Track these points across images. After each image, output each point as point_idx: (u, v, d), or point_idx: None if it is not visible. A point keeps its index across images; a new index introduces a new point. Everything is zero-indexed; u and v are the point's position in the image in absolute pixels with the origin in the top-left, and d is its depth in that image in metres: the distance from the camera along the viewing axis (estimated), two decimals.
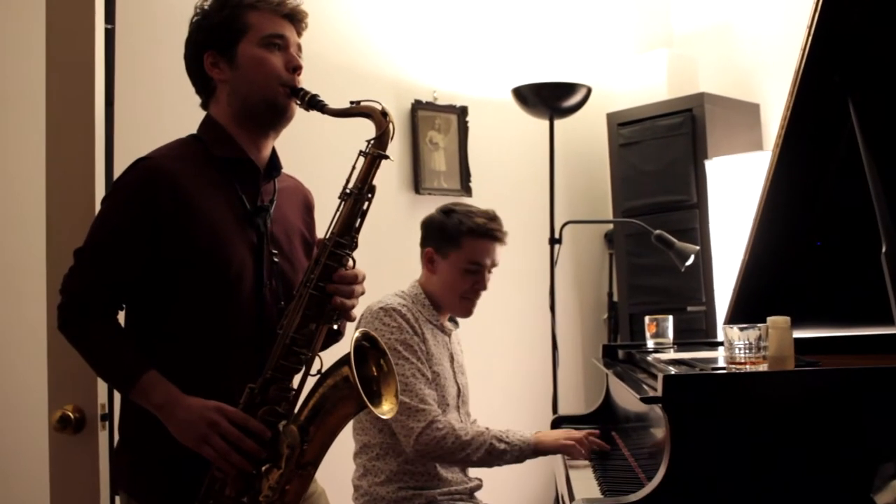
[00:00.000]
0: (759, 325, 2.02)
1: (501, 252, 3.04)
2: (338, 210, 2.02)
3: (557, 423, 3.23)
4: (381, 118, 2.02)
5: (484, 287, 3.03)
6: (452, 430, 2.80)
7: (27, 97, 2.84)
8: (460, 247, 2.98)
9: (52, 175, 2.26)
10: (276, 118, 2.10)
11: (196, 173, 2.03)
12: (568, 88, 4.48)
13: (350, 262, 2.02)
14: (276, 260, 2.08)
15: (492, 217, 3.04)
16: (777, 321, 2.10)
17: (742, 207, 4.07)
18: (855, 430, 1.88)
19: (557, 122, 4.59)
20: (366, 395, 1.92)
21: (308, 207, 2.30)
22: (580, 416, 3.23)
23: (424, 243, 3.07)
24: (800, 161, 2.36)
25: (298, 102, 2.07)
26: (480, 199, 4.76)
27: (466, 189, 4.77)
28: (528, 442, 2.86)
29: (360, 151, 2.02)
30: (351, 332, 2.05)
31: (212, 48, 2.09)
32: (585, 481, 2.57)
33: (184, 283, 1.99)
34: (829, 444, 1.88)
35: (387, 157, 2.02)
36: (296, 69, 2.10)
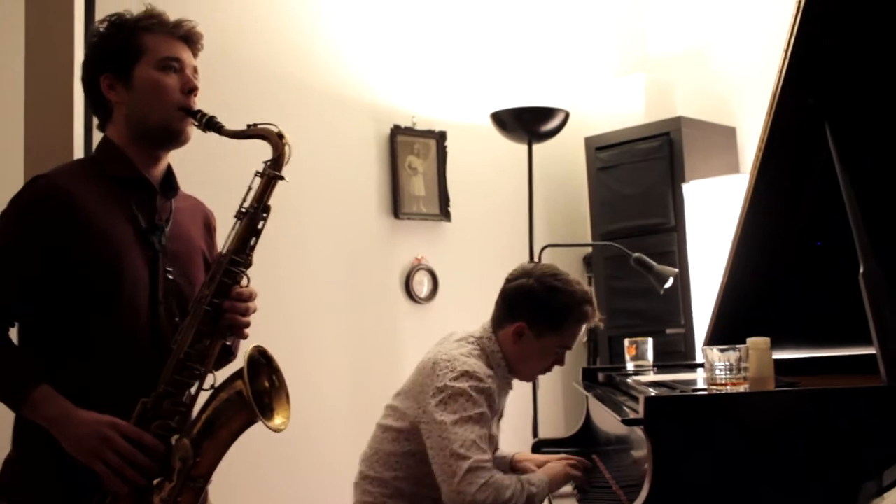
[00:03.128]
0: (739, 346, 2.03)
1: None
2: (233, 228, 2.06)
3: (538, 446, 3.22)
4: (277, 140, 2.07)
5: (562, 364, 2.84)
6: (494, 479, 2.49)
7: (7, 95, 2.83)
8: (560, 333, 2.76)
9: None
10: (171, 139, 2.13)
11: (92, 192, 2.05)
12: (546, 113, 4.51)
13: (244, 280, 2.06)
14: (170, 277, 2.10)
15: (591, 300, 2.83)
16: (757, 342, 2.11)
17: (720, 230, 4.09)
18: (836, 449, 1.89)
19: (536, 147, 4.61)
20: (260, 407, 1.96)
21: (208, 227, 2.32)
22: (561, 440, 3.22)
23: (516, 314, 2.76)
24: (777, 183, 2.38)
25: (196, 124, 2.10)
26: (459, 223, 4.77)
27: (445, 214, 4.77)
28: (543, 480, 2.64)
29: (257, 172, 2.07)
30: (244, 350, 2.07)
31: (108, 71, 2.12)
32: None
33: (78, 299, 2.00)
34: (811, 465, 1.89)
35: (282, 178, 2.07)
36: (191, 91, 2.13)
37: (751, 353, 2.07)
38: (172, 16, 2.15)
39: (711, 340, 2.59)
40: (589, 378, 3.25)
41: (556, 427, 5.06)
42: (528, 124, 4.51)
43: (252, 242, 2.06)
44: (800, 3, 2.02)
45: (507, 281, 2.87)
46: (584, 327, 2.81)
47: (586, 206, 5.25)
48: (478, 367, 2.65)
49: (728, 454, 1.90)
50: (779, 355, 2.20)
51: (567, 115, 4.54)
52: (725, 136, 5.18)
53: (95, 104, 2.18)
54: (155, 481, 1.92)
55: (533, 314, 2.75)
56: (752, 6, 5.15)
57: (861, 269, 1.98)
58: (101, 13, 3.12)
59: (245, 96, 3.79)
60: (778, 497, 1.88)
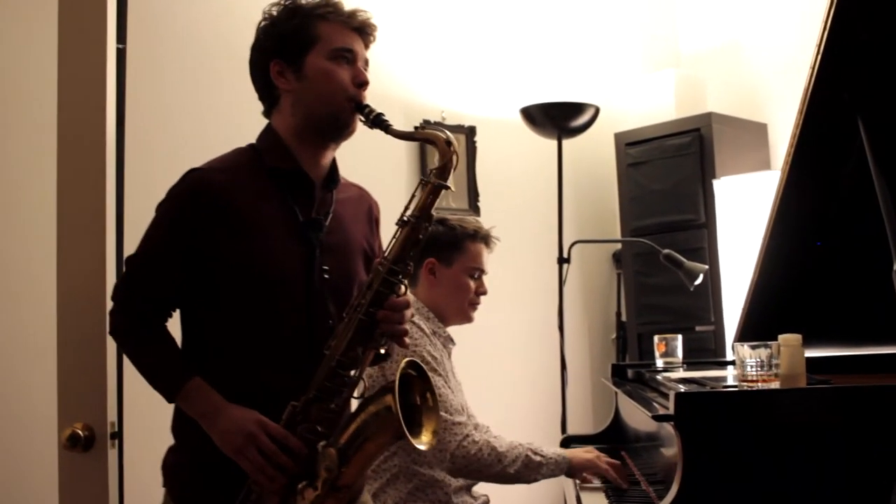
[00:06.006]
0: (770, 343, 2.02)
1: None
2: (394, 236, 1.99)
3: (567, 442, 3.22)
4: (445, 147, 1.98)
5: (485, 291, 3.06)
6: (487, 443, 2.74)
7: (40, 111, 2.86)
8: (465, 251, 3.00)
9: (63, 193, 2.27)
10: (339, 132, 2.07)
11: (247, 184, 2.03)
12: (576, 108, 4.49)
13: (402, 289, 1.99)
14: (326, 276, 2.05)
15: (481, 224, 3.11)
16: (788, 339, 2.09)
17: (750, 226, 4.07)
18: (869, 448, 1.87)
19: (565, 142, 4.60)
20: (407, 424, 1.89)
21: (371, 218, 2.27)
22: (589, 436, 3.22)
23: (424, 255, 3.01)
24: (809, 180, 2.36)
25: (362, 119, 2.05)
26: (489, 218, 4.75)
27: (475, 208, 4.77)
28: (564, 456, 2.79)
29: (422, 180, 2.00)
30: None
31: (279, 57, 2.07)
32: (596, 501, 2.56)
33: (230, 294, 1.99)
34: (843, 463, 1.87)
35: (448, 188, 2.00)
36: (362, 84, 2.07)
37: (782, 349, 2.06)
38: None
39: (742, 337, 2.58)
40: (618, 374, 3.24)
41: (584, 423, 5.06)
42: (557, 120, 4.49)
43: (412, 252, 1.98)
44: None
45: None
46: (483, 246, 3.06)
47: (616, 202, 5.24)
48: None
49: (759, 451, 1.89)
50: (810, 353, 2.19)
51: (597, 111, 4.52)
52: (756, 132, 5.15)
53: (262, 90, 2.13)
54: (299, 485, 1.90)
55: (433, 246, 3.00)
56: (784, 1, 5.11)
57: (894, 266, 1.97)
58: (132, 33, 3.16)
59: None
60: (809, 495, 1.87)
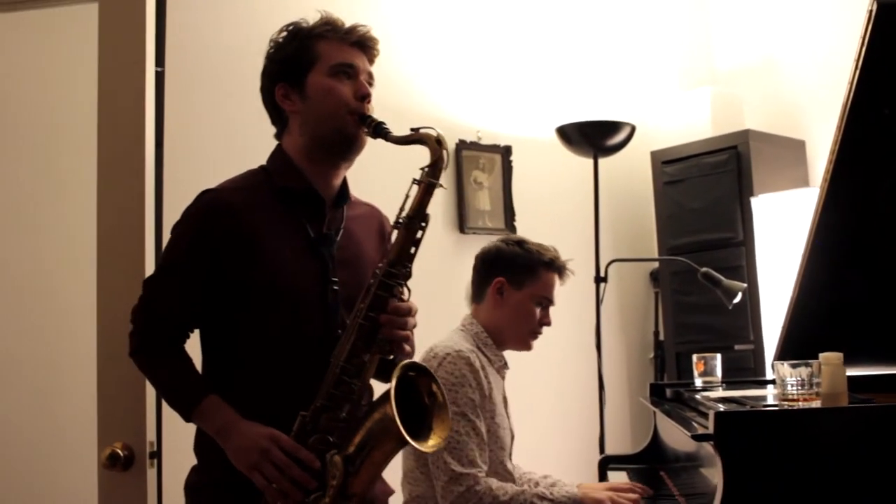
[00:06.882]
0: (811, 361, 2.00)
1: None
2: (390, 238, 2.03)
3: (604, 462, 3.19)
4: (435, 145, 2.01)
5: (549, 322, 2.99)
6: (490, 491, 2.66)
7: (80, 134, 2.90)
8: (538, 278, 2.93)
9: (104, 214, 2.30)
10: (346, 147, 2.10)
11: (259, 203, 2.06)
12: (612, 127, 4.48)
13: (405, 293, 2.00)
14: (335, 288, 2.06)
15: (558, 254, 3.02)
16: (830, 357, 2.07)
17: (789, 244, 4.03)
18: None
19: (601, 161, 4.59)
20: (416, 427, 1.90)
21: (383, 234, 2.28)
22: (628, 456, 3.20)
23: (492, 273, 2.96)
24: (848, 197, 2.33)
25: (366, 130, 2.07)
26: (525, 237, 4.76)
27: (511, 228, 4.77)
28: (574, 497, 2.72)
29: (414, 179, 2.02)
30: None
31: (283, 80, 2.11)
32: None
33: (247, 310, 2.02)
34: (885, 483, 1.84)
35: (440, 186, 2.02)
36: (364, 97, 2.10)
37: (823, 368, 2.04)
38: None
39: (781, 356, 2.54)
40: (656, 394, 3.22)
41: (622, 443, 5.02)
42: (593, 138, 4.49)
43: (412, 252, 2.01)
44: (871, 11, 1.98)
45: (475, 258, 3.05)
46: (556, 276, 2.96)
47: (652, 220, 5.22)
48: (460, 345, 2.80)
49: (800, 471, 1.87)
50: (852, 371, 2.16)
51: (633, 129, 4.51)
52: (794, 149, 5.11)
53: (272, 114, 2.18)
54: (312, 496, 1.90)
55: (507, 267, 2.93)
56: (820, 16, 5.08)
57: None
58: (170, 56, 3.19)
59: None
60: None
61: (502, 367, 2.96)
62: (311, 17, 2.14)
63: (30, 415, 3.33)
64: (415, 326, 2.05)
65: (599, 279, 4.28)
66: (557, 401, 4.91)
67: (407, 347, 2.05)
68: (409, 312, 2.01)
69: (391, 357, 2.04)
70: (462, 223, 4.60)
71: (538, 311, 2.95)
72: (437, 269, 4.37)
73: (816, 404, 1.98)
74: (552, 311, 3.01)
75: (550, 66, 5.07)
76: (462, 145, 4.65)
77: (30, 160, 3.39)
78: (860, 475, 1.85)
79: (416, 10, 4.60)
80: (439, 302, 3.90)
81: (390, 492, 2.24)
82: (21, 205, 3.36)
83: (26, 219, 3.38)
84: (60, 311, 3.32)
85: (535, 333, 2.98)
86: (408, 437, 1.88)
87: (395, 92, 4.39)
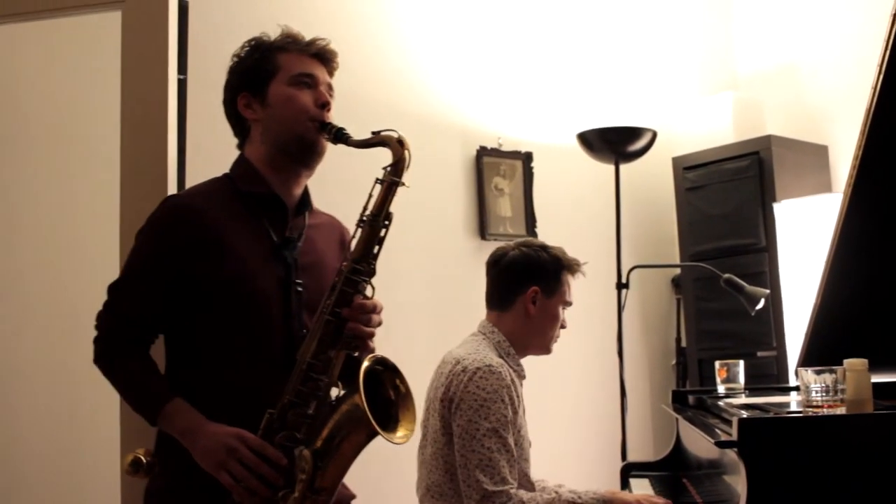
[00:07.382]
0: (835, 367, 1.99)
1: None
2: (353, 236, 2.07)
3: (627, 469, 3.18)
4: (397, 146, 2.06)
5: (566, 325, 2.97)
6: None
7: (103, 142, 2.92)
8: (562, 283, 2.90)
9: (126, 220, 2.32)
10: (307, 153, 2.16)
11: (223, 208, 2.11)
12: (633, 133, 4.47)
13: (369, 290, 2.05)
14: (300, 290, 2.11)
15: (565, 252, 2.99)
16: (854, 364, 2.05)
17: (812, 250, 4.01)
18: None
19: (623, 167, 4.58)
20: (383, 419, 1.94)
21: (343, 243, 2.32)
22: (650, 463, 3.18)
23: (524, 282, 2.86)
24: (872, 202, 2.33)
25: (327, 136, 2.12)
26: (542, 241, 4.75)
27: (532, 234, 4.76)
28: (602, 498, 2.66)
29: (377, 179, 2.06)
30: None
31: (245, 90, 2.19)
32: None
33: (211, 312, 2.05)
34: None
35: (402, 184, 2.06)
36: (324, 105, 2.17)
37: (848, 374, 2.02)
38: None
39: (805, 362, 2.53)
40: (679, 400, 3.21)
41: (644, 450, 5.00)
42: (614, 144, 4.48)
43: (375, 251, 2.05)
44: (894, 14, 1.98)
45: (492, 264, 2.96)
46: (571, 277, 2.93)
47: (674, 226, 5.20)
48: (489, 357, 2.74)
49: (824, 478, 1.86)
50: (877, 378, 2.15)
51: (654, 135, 4.51)
52: (817, 154, 5.08)
53: (235, 125, 2.25)
54: (280, 493, 1.92)
55: (541, 275, 2.86)
56: (843, 21, 5.06)
57: None
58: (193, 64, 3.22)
59: (335, 121, 3.82)
60: None
61: (522, 376, 2.94)
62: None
63: (53, 422, 3.35)
64: (380, 324, 2.08)
65: (621, 285, 4.27)
66: (579, 408, 4.90)
67: (370, 344, 2.09)
68: (374, 309, 2.05)
69: (357, 355, 2.06)
70: (483, 229, 4.60)
71: (561, 314, 2.93)
72: (459, 274, 4.37)
73: (841, 411, 1.96)
74: (571, 315, 3.00)
75: (571, 72, 5.07)
76: (483, 152, 4.64)
77: (50, 169, 3.42)
78: (885, 483, 1.84)
79: (437, 16, 4.61)
80: (460, 306, 3.91)
81: (351, 495, 2.25)
82: (43, 214, 3.39)
83: (50, 227, 3.40)
84: (84, 318, 3.34)
85: (556, 338, 2.97)
86: (377, 428, 1.91)
87: (416, 99, 4.40)
